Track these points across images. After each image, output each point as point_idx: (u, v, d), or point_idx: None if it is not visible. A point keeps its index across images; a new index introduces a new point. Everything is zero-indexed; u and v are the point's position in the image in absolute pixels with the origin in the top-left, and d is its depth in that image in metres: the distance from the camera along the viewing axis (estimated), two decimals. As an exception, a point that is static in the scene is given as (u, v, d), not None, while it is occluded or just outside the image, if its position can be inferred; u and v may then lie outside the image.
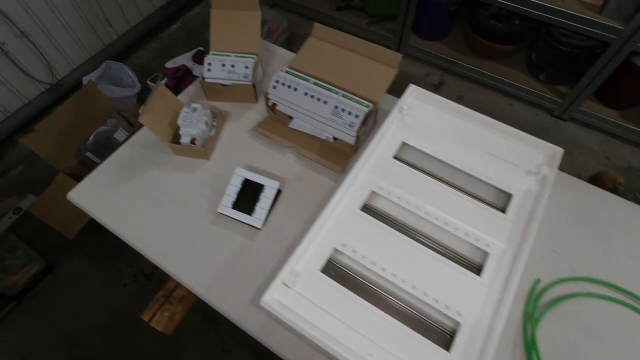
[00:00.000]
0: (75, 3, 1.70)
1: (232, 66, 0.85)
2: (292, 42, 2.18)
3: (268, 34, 2.03)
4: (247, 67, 0.85)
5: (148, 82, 1.74)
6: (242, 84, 0.85)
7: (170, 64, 1.83)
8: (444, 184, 0.71)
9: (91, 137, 1.58)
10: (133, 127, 1.69)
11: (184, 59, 1.86)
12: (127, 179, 0.79)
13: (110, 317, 1.36)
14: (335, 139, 0.82)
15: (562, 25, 1.58)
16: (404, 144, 0.76)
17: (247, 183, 0.74)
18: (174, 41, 2.21)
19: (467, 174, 0.72)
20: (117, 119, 1.65)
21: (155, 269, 1.23)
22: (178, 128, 0.80)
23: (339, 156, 0.81)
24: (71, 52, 1.80)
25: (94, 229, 1.27)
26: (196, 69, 1.82)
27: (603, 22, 1.46)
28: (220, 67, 0.85)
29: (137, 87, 1.75)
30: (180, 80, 1.74)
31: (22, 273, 1.41)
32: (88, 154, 1.57)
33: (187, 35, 2.23)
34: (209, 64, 0.86)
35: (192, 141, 0.78)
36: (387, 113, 0.78)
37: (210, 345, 1.30)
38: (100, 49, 1.93)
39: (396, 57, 0.82)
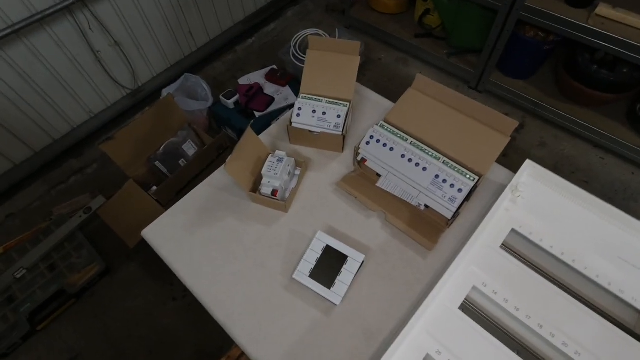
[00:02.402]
0: (165, 16, 1.77)
1: (323, 113, 0.80)
2: (365, 67, 2.12)
3: (342, 57, 1.99)
4: (339, 116, 0.79)
5: (221, 97, 1.75)
6: (331, 133, 0.79)
7: (243, 81, 1.84)
8: (562, 289, 0.59)
9: (162, 148, 1.62)
10: (201, 139, 1.72)
11: (256, 77, 1.86)
12: (202, 223, 0.76)
13: (157, 333, 1.37)
14: (426, 206, 0.74)
15: (685, 81, 1.37)
16: (514, 231, 0.65)
17: (328, 250, 0.67)
18: (248, 55, 2.24)
19: (592, 281, 0.60)
20: (188, 131, 1.68)
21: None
22: (259, 176, 0.75)
23: (430, 229, 0.72)
24: (154, 61, 1.87)
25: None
26: (268, 87, 1.81)
27: None
28: (311, 113, 0.80)
29: (210, 101, 1.78)
30: (251, 98, 1.74)
31: (84, 272, 1.46)
32: (157, 163, 1.61)
33: (261, 51, 2.25)
34: (299, 108, 0.81)
35: (274, 193, 0.73)
36: (489, 184, 0.67)
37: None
38: (179, 59, 2.00)
39: (510, 123, 0.72)
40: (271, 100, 1.75)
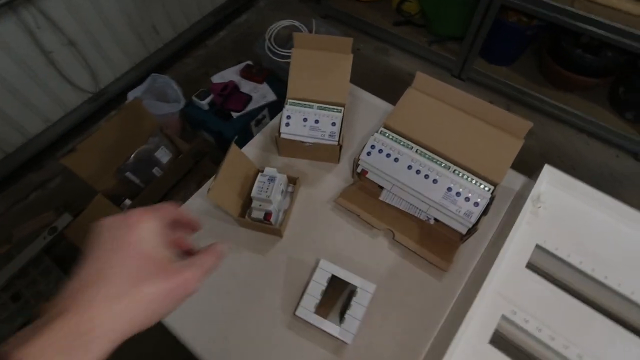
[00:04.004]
0: (124, 11, 1.60)
1: (316, 121, 0.70)
2: (346, 59, 2.02)
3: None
4: (333, 124, 0.70)
5: (193, 97, 1.62)
6: (326, 143, 0.70)
7: (216, 79, 1.71)
8: (598, 311, 0.54)
9: (132, 156, 1.47)
10: (175, 145, 1.59)
11: (231, 74, 1.74)
12: (185, 255, 0.66)
13: (137, 358, 1.26)
14: (436, 220, 0.67)
15: (670, 63, 1.36)
16: (539, 247, 0.59)
17: (334, 280, 0.59)
18: (221, 50, 2.09)
19: (628, 300, 0.55)
20: (160, 137, 1.54)
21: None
22: (248, 197, 0.65)
23: (443, 246, 0.65)
24: (116, 60, 1.70)
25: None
26: (244, 85, 1.69)
27: None
28: (302, 121, 0.71)
29: (182, 103, 1.64)
30: (227, 97, 1.61)
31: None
32: (128, 173, 1.47)
33: (234, 44, 2.11)
34: (288, 117, 0.71)
35: (267, 217, 0.64)
36: (498, 189, 0.61)
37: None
38: (144, 57, 1.84)
39: (524, 124, 0.65)
40: (249, 98, 1.63)
